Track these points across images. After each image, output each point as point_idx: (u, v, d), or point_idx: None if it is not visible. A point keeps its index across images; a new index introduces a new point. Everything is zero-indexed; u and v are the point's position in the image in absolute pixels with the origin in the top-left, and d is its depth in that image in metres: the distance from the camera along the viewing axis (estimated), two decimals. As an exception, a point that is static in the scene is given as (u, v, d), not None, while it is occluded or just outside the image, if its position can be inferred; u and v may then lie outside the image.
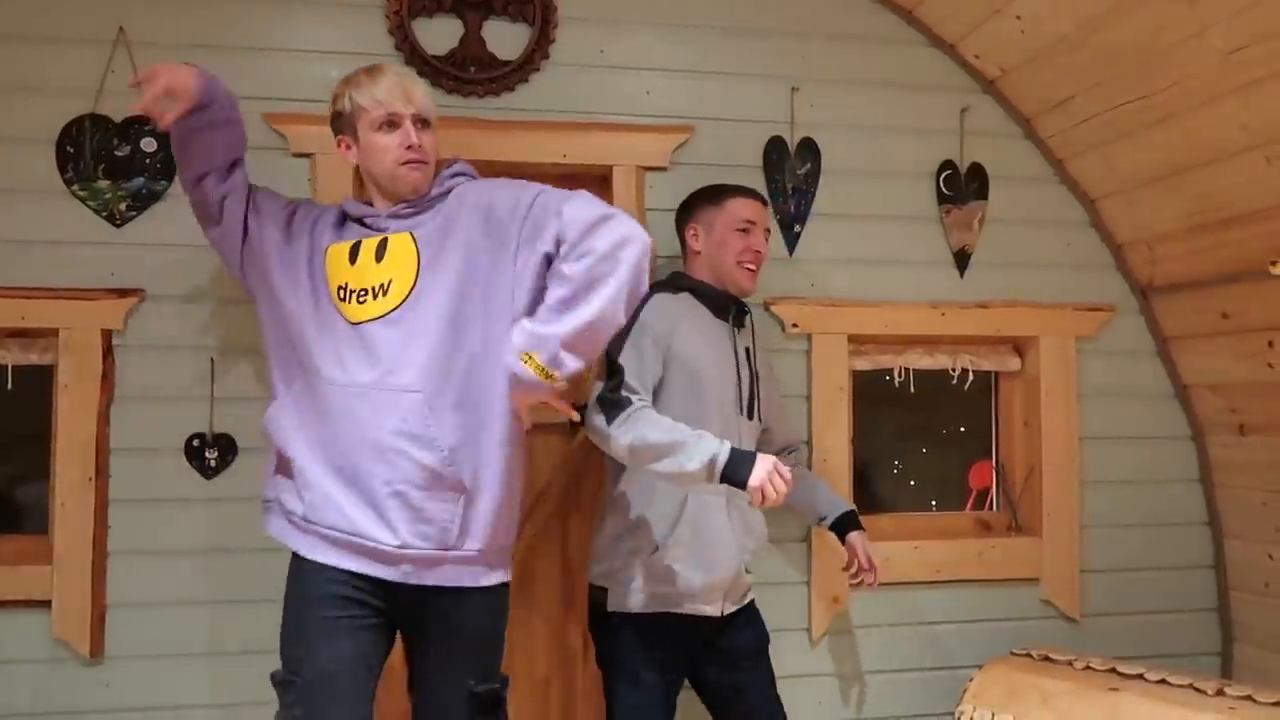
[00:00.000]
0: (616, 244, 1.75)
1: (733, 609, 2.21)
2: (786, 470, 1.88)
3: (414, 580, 1.78)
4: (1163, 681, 2.26)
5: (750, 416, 2.25)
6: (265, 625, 1.97)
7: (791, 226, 2.70)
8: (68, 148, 2.37)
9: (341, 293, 1.84)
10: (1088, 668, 2.40)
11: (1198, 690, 2.21)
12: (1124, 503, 2.86)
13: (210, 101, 1.89)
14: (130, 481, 2.37)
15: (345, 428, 1.77)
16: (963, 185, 2.79)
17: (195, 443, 2.39)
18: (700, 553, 2.12)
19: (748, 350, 2.28)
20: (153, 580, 2.36)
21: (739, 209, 2.28)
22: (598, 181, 2.66)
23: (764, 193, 2.67)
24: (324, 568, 1.77)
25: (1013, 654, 2.55)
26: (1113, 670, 2.36)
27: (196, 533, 2.38)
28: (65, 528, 2.33)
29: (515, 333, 1.79)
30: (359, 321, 1.81)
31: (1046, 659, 2.48)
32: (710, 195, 2.33)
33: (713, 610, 2.17)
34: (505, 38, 2.58)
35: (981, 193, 2.81)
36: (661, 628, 2.14)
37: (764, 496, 1.84)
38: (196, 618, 2.37)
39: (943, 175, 2.78)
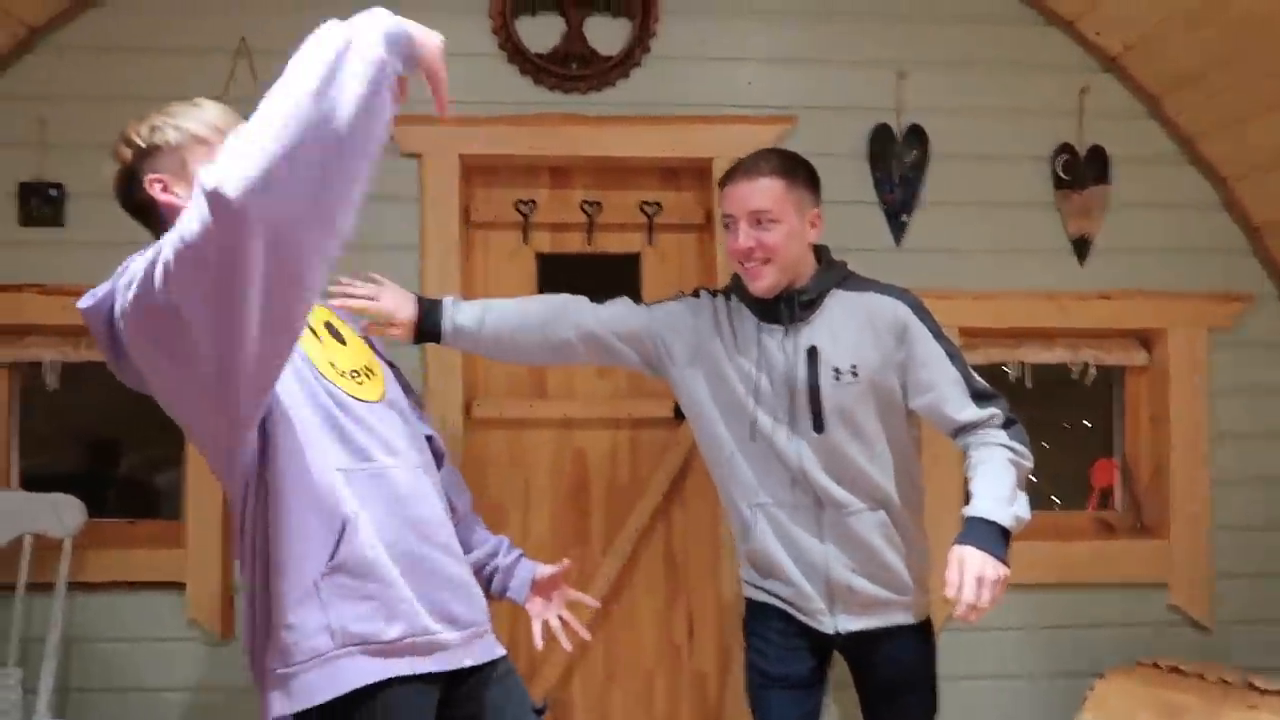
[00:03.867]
0: None
1: (857, 627, 1.95)
2: None
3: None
4: (1306, 697, 2.12)
5: (819, 429, 1.88)
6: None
7: (898, 216, 2.63)
8: (196, 154, 2.49)
9: (336, 368, 1.53)
10: (1221, 681, 2.25)
11: (1345, 707, 2.06)
12: (1262, 504, 2.68)
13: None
14: (254, 471, 2.48)
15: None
16: (1082, 169, 2.66)
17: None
18: (770, 561, 1.96)
19: (812, 351, 1.89)
20: (275, 565, 2.46)
21: (722, 203, 1.93)
22: (698, 174, 2.66)
23: (870, 182, 2.63)
24: None
25: (1138, 664, 2.42)
26: (1250, 686, 2.21)
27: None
28: (196, 513, 2.47)
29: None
30: (369, 400, 1.54)
31: (1175, 670, 2.34)
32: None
33: (817, 625, 1.96)
34: (607, 33, 2.60)
35: (1102, 176, 2.67)
36: (767, 617, 2.01)
37: None
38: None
39: (1060, 159, 2.66)
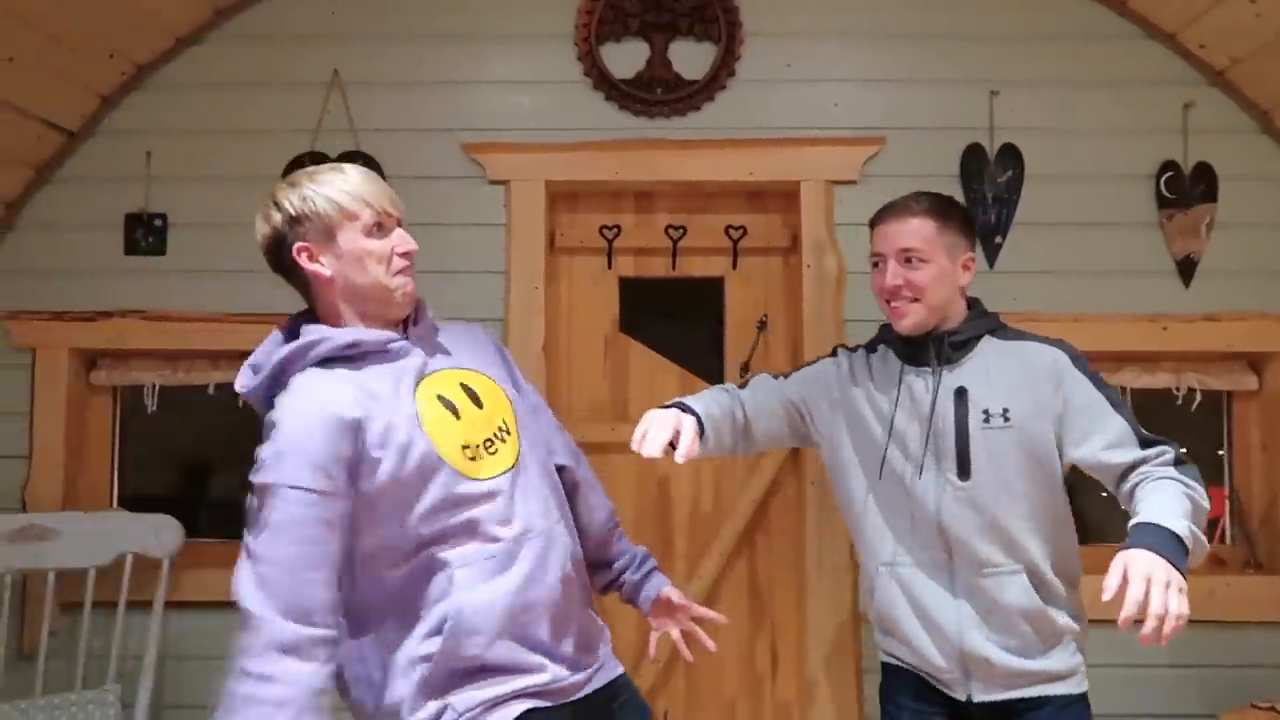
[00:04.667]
0: None
1: (989, 698, 1.79)
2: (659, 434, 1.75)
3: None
4: None
5: (963, 475, 1.77)
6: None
7: (991, 238, 2.56)
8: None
9: (469, 451, 1.52)
10: (1346, 727, 2.12)
11: None
12: (1389, 540, 2.52)
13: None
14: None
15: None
16: (1187, 187, 2.56)
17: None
18: (892, 619, 1.86)
19: (961, 392, 1.80)
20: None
21: (873, 242, 1.89)
22: (784, 197, 2.63)
23: (962, 202, 2.56)
24: None
25: (1254, 706, 2.30)
26: (1378, 732, 2.08)
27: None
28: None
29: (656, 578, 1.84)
30: (492, 476, 1.53)
31: (1294, 714, 2.22)
32: None
33: (949, 691, 1.83)
34: (691, 57, 2.60)
35: (1209, 195, 2.56)
36: (902, 682, 1.90)
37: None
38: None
39: (1164, 177, 2.56)
